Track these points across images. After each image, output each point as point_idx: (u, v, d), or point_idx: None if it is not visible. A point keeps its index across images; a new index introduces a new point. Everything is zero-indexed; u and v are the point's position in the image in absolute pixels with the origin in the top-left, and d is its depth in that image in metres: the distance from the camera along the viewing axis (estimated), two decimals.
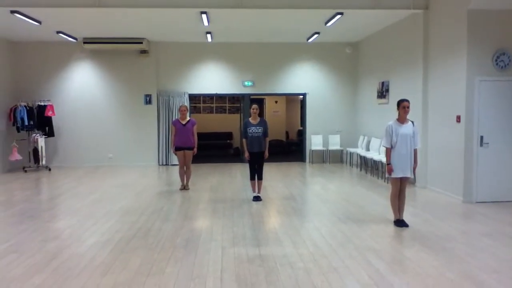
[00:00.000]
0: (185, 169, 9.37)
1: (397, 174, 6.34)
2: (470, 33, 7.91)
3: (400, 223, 6.40)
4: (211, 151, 16.88)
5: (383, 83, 11.60)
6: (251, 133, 8.14)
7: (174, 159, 13.17)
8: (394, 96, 10.85)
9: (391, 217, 6.67)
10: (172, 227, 6.42)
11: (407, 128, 6.32)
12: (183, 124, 9.16)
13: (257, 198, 8.26)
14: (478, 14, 7.87)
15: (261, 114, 18.38)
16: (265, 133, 8.22)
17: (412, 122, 6.46)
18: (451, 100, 8.44)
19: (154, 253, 5.24)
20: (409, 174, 6.37)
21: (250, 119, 8.28)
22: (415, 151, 6.43)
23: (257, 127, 8.16)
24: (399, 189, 6.43)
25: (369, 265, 4.78)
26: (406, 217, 6.58)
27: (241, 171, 12.32)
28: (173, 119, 11.94)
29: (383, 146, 6.65)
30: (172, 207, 7.84)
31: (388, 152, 6.40)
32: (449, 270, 4.63)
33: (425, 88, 9.42)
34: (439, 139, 8.92)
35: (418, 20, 9.54)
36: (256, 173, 8.31)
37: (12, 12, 9.24)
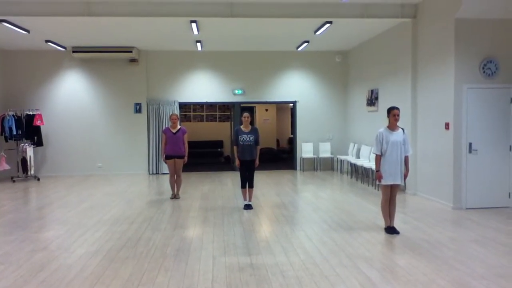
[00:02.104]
0: (175, 177, 9.33)
1: (387, 181, 6.37)
2: (457, 41, 8.01)
3: (391, 230, 6.41)
4: (202, 159, 16.83)
5: (372, 91, 11.69)
6: (242, 141, 8.10)
7: (165, 168, 13.14)
8: (384, 103, 10.93)
9: (382, 224, 6.69)
10: (162, 236, 6.37)
11: (397, 135, 6.36)
12: (173, 133, 9.14)
13: (248, 207, 8.23)
14: (465, 22, 7.98)
15: (251, 122, 18.43)
16: (256, 141, 8.19)
17: (403, 129, 6.50)
18: (439, 108, 8.52)
19: (144, 263, 5.19)
20: (399, 181, 6.39)
21: (241, 127, 8.23)
22: (407, 158, 6.47)
23: (249, 135, 8.12)
24: (390, 196, 6.45)
25: (360, 273, 4.77)
26: (396, 224, 6.61)
27: (232, 179, 12.29)
28: (164, 127, 11.90)
29: (373, 153, 6.67)
30: (162, 216, 7.78)
31: (378, 159, 6.43)
32: (439, 277, 4.64)
33: (414, 96, 9.50)
34: (428, 146, 8.99)
35: (406, 28, 9.65)
36: (247, 181, 8.28)
37: (0, 21, 9.18)
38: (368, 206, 8.48)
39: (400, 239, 6.14)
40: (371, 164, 10.65)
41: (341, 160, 13.40)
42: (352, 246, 5.78)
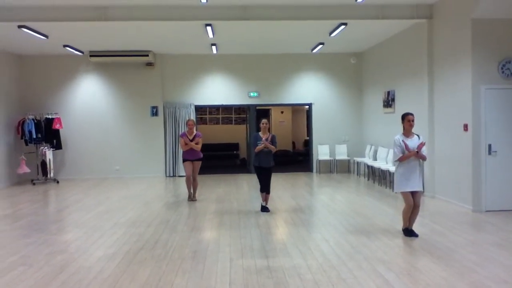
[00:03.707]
0: (191, 180, 9.42)
1: (405, 188, 6.27)
2: (474, 42, 7.91)
3: (409, 232, 6.35)
4: (218, 161, 16.89)
5: (388, 92, 11.60)
6: (259, 150, 8.07)
7: (181, 171, 13.26)
8: (400, 105, 10.85)
9: (400, 227, 6.62)
10: (179, 239, 6.41)
11: (413, 141, 6.26)
12: (190, 140, 9.23)
13: (265, 209, 8.23)
14: (482, 22, 7.87)
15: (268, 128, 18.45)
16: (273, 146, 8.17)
17: (418, 135, 6.40)
18: (457, 109, 8.42)
19: (162, 265, 5.23)
20: (417, 188, 6.26)
21: (260, 133, 8.19)
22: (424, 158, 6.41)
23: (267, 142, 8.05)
24: (413, 204, 6.29)
25: (378, 276, 4.73)
26: (415, 227, 6.52)
27: (248, 181, 12.30)
28: (180, 131, 12.00)
29: (394, 161, 6.45)
30: (179, 218, 7.83)
31: (402, 159, 6.24)
32: (459, 281, 4.58)
33: (431, 97, 9.40)
34: (446, 148, 8.87)
35: (422, 29, 9.56)
36: (265, 188, 8.29)
37: (20, 27, 9.35)
38: (386, 208, 8.41)
39: (418, 242, 6.08)
40: (388, 166, 10.56)
41: (357, 162, 13.31)
42: (369, 249, 5.73)
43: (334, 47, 12.83)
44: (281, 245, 6.03)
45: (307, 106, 14.91)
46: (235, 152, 18.19)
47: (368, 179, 12.22)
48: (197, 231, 6.88)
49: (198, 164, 9.45)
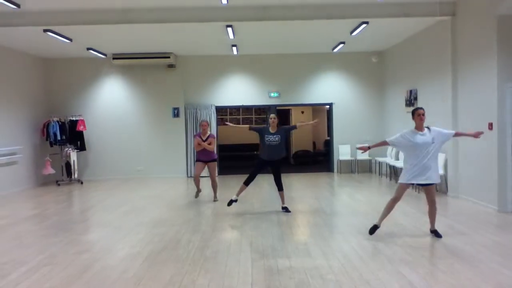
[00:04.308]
0: (199, 179, 9.51)
1: (409, 180, 6.14)
2: (499, 39, 7.75)
3: (434, 233, 6.27)
4: (238, 162, 16.93)
5: (411, 91, 11.46)
6: (268, 141, 8.07)
7: (204, 171, 13.36)
8: (423, 104, 10.68)
9: (424, 228, 6.54)
10: (201, 239, 6.46)
11: (424, 136, 6.10)
12: (203, 140, 9.28)
13: (285, 210, 8.23)
14: (508, 19, 7.71)
15: (287, 124, 18.43)
16: (283, 140, 8.14)
17: (428, 127, 6.23)
18: (482, 107, 8.26)
19: (184, 265, 5.28)
20: (429, 181, 6.09)
21: (269, 128, 8.22)
22: (458, 133, 6.50)
23: (275, 136, 8.06)
24: (427, 199, 6.24)
25: (402, 277, 4.68)
26: (439, 227, 6.43)
27: (269, 182, 12.29)
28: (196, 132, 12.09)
29: (389, 140, 6.44)
30: (201, 219, 7.89)
31: (382, 143, 6.42)
32: (484, 282, 4.50)
33: (454, 95, 9.25)
34: (471, 147, 8.71)
35: (445, 27, 9.42)
36: (252, 180, 8.26)
37: (45, 31, 9.56)
38: (408, 209, 8.30)
39: (442, 243, 5.99)
40: None
41: (379, 162, 13.18)
42: (392, 250, 5.67)
43: (355, 46, 12.75)
44: (302, 245, 6.02)
45: (327, 106, 14.83)
46: (255, 152, 18.18)
47: (390, 179, 12.09)
48: (219, 231, 6.92)
49: (213, 165, 9.48)
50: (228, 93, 14.02)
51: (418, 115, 6.18)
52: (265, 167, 8.31)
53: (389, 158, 12.55)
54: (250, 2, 8.89)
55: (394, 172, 11.98)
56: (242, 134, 18.44)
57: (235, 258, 5.50)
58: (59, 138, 12.60)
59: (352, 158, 13.82)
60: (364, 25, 9.85)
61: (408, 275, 4.72)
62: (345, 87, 14.04)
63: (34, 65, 13.02)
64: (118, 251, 5.93)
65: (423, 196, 9.24)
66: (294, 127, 8.84)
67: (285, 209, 8.22)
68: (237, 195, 8.28)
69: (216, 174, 9.86)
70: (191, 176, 13.70)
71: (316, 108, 18.69)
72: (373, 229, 6.34)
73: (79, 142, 13.10)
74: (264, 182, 12.32)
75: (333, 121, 14.14)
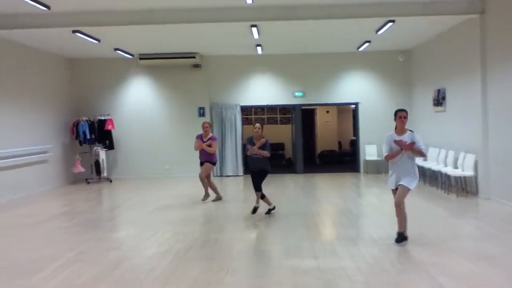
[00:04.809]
0: (206, 180, 9.51)
1: (391, 184, 6.07)
2: None
3: (399, 236, 5.95)
4: None
5: (439, 90, 11.25)
6: (251, 153, 7.82)
7: (228, 170, 13.51)
8: (452, 103, 10.50)
9: (454, 229, 6.41)
10: (228, 238, 6.49)
11: (403, 139, 5.92)
12: (204, 141, 9.27)
13: (269, 211, 7.99)
14: None
15: (312, 124, 18.37)
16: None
17: (411, 131, 6.06)
18: None
19: (211, 264, 5.31)
20: (401, 182, 5.89)
21: (254, 138, 7.88)
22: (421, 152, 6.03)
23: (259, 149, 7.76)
24: (396, 199, 5.95)
25: (431, 279, 4.60)
26: (469, 230, 6.29)
27: (294, 181, 12.28)
28: (226, 132, 12.08)
29: (384, 155, 6.23)
30: (227, 218, 7.93)
31: (389, 157, 6.06)
32: None
33: (484, 94, 9.03)
34: (502, 147, 8.50)
35: (474, 25, 9.20)
36: (259, 185, 7.99)
37: (74, 31, 9.76)
38: (438, 210, 8.16)
39: (473, 245, 5.87)
40: (440, 167, 10.25)
41: None
42: (421, 251, 5.58)
43: (381, 44, 12.59)
44: (329, 246, 5.98)
45: (353, 106, 14.70)
46: (280, 152, 18.17)
47: (418, 180, 11.86)
48: (245, 230, 6.95)
49: (207, 165, 9.36)
50: (253, 92, 14.05)
51: (399, 117, 6.00)
52: (257, 174, 7.96)
53: (417, 158, 12.31)
54: (275, 2, 8.88)
55: (422, 173, 11.77)
56: (267, 133, 18.50)
57: (262, 257, 5.52)
58: (88, 137, 12.86)
59: (379, 159, 13.65)
60: (390, 24, 9.73)
61: (438, 277, 4.63)
62: (371, 86, 13.88)
63: (63, 66, 13.31)
64: (146, 249, 6.01)
65: (453, 198, 9.11)
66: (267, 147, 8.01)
67: (268, 211, 8.02)
68: (257, 202, 8.11)
69: (211, 176, 9.66)
70: (216, 175, 13.78)
71: (341, 108, 18.56)
72: (400, 239, 5.93)
73: (107, 141, 13.33)
74: (290, 182, 12.31)
75: (359, 120, 13.99)
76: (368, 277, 4.72)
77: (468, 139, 9.59)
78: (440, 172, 10.14)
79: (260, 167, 7.88)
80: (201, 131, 9.47)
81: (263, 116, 18.91)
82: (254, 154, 7.78)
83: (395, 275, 4.76)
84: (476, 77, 9.20)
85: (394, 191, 6.06)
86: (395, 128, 6.08)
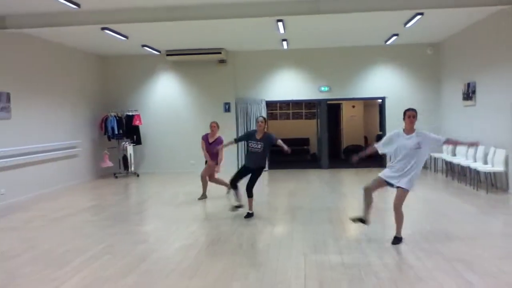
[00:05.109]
0: (207, 178, 9.33)
1: (384, 174, 5.92)
2: None
3: (395, 240, 5.82)
4: (288, 157, 16.88)
5: (469, 84, 10.99)
6: (250, 147, 7.52)
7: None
8: (482, 97, 10.25)
9: (483, 226, 6.28)
10: (253, 232, 6.53)
11: (410, 139, 5.79)
12: (209, 143, 9.16)
13: (249, 215, 7.52)
14: None
15: (337, 119, 18.22)
16: (265, 149, 7.51)
17: (418, 133, 5.89)
18: None
19: (236, 258, 5.36)
20: (398, 185, 5.74)
21: (256, 133, 7.56)
22: (450, 141, 6.03)
23: (258, 143, 7.43)
24: (394, 200, 5.84)
25: (459, 277, 4.53)
26: (498, 226, 6.16)
27: (319, 177, 12.23)
28: (252, 127, 12.07)
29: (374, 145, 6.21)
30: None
31: (372, 149, 6.14)
32: None
33: None
34: None
35: (506, 16, 8.93)
36: (238, 181, 7.62)
37: (103, 29, 9.94)
38: (466, 206, 8.00)
39: (502, 242, 5.74)
40: (469, 163, 10.04)
41: (435, 158, 12.75)
42: (449, 248, 5.49)
43: (409, 37, 12.36)
44: (354, 241, 5.95)
45: (380, 100, 14.50)
46: (305, 147, 18.12)
47: (446, 176, 11.67)
48: (270, 225, 6.97)
49: (211, 165, 9.19)
50: (278, 87, 14.02)
51: (408, 116, 5.84)
52: (247, 172, 7.67)
53: (445, 154, 12.11)
54: None
55: (451, 169, 11.56)
56: (292, 128, 18.47)
57: (287, 252, 5.52)
58: (116, 132, 13.10)
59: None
60: (419, 16, 9.54)
61: (466, 275, 4.56)
62: (398, 81, 13.67)
63: (92, 63, 13.57)
64: (173, 243, 6.11)
65: (483, 194, 8.91)
66: (275, 141, 7.63)
67: (250, 215, 7.54)
68: (239, 201, 7.68)
69: (216, 175, 9.34)
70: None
71: (367, 103, 18.34)
72: (397, 241, 5.76)
73: (135, 136, 13.55)
74: (314, 177, 12.26)
75: (386, 115, 13.81)
76: (394, 274, 4.68)
77: (498, 134, 9.35)
78: (469, 168, 9.92)
79: (258, 164, 7.55)
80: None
81: (288, 111, 18.88)
82: (253, 148, 7.44)
83: (421, 272, 4.69)
84: (508, 70, 8.95)
85: (382, 182, 5.91)
86: (404, 127, 5.97)
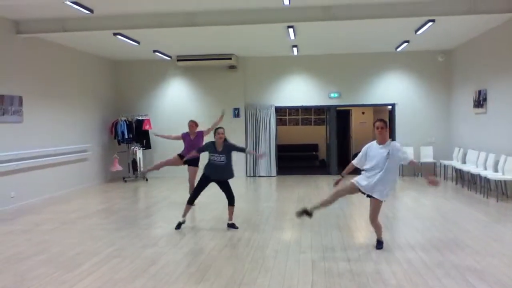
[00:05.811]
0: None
1: (358, 182, 5.81)
2: None
3: (378, 244, 5.91)
4: (297, 162, 16.92)
5: (480, 91, 10.92)
6: (213, 160, 7.20)
7: (261, 170, 13.51)
8: (493, 105, 10.18)
9: (493, 235, 6.22)
10: (261, 238, 6.53)
11: (381, 150, 5.72)
12: (191, 139, 9.17)
13: (232, 226, 7.16)
14: None
15: (347, 125, 18.16)
16: (229, 159, 7.29)
17: (390, 145, 5.75)
18: None
19: (245, 263, 5.37)
20: (370, 193, 5.72)
21: (215, 144, 7.27)
22: (412, 162, 5.84)
23: (220, 156, 7.16)
24: (370, 209, 5.86)
25: (469, 285, 4.49)
26: (509, 235, 6.10)
27: (328, 183, 12.19)
28: (261, 133, 12.06)
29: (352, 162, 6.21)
30: (261, 218, 7.97)
31: (350, 166, 6.12)
32: None
33: None
34: None
35: None
36: (196, 197, 7.35)
37: (115, 34, 10.05)
38: (477, 214, 7.93)
39: None
40: (479, 170, 9.96)
41: (445, 165, 12.67)
42: (459, 256, 5.45)
43: (420, 44, 12.33)
44: (363, 249, 5.92)
45: (390, 107, 14.46)
46: (314, 153, 18.10)
47: (456, 183, 11.59)
48: (278, 231, 6.97)
49: (195, 169, 9.24)
50: (287, 93, 14.04)
51: (376, 128, 5.78)
52: (209, 183, 7.30)
53: (455, 161, 12.03)
54: (312, 2, 8.83)
55: (461, 176, 11.48)
56: (301, 134, 18.47)
57: (295, 258, 5.52)
58: (126, 136, 13.19)
59: (416, 161, 13.36)
60: (430, 23, 9.51)
61: (476, 284, 4.52)
62: (408, 87, 13.62)
63: (104, 67, 13.70)
64: (182, 247, 6.13)
65: (493, 202, 8.84)
66: (242, 150, 7.88)
67: (232, 226, 7.18)
68: (184, 216, 7.27)
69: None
70: (249, 176, 13.86)
71: (377, 109, 18.26)
72: (380, 245, 5.88)
73: (144, 141, 13.64)
74: (323, 183, 12.24)
75: (396, 122, 13.76)
76: (403, 282, 4.65)
77: (509, 142, 9.27)
78: (479, 176, 9.85)
79: (226, 176, 7.29)
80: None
81: (297, 117, 18.88)
82: (216, 161, 7.15)
83: (430, 281, 4.66)
84: None
85: (354, 189, 5.86)
86: (376, 139, 5.90)
